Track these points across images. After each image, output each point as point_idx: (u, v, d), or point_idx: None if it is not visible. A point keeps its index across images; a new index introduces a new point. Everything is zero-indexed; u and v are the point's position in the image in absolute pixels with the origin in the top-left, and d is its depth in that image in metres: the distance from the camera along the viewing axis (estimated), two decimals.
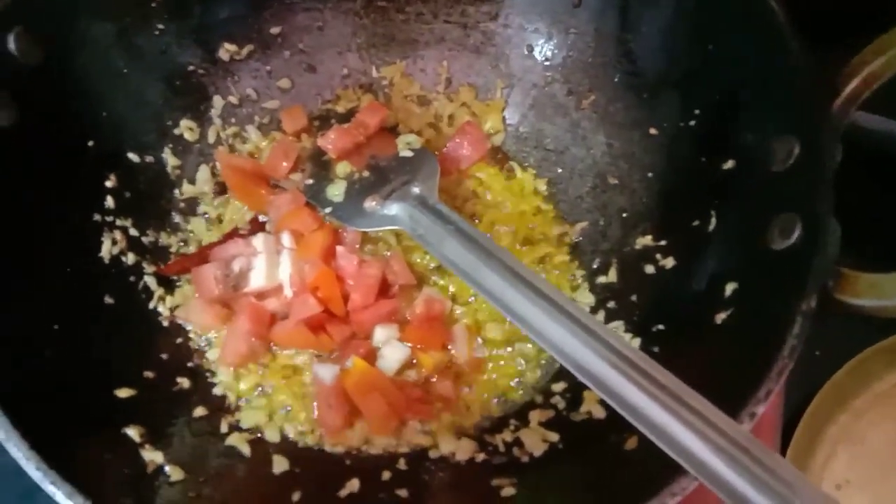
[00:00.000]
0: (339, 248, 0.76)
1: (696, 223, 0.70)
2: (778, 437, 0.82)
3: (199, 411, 0.70)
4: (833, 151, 0.60)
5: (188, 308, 0.76)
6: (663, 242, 0.75)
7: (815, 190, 0.58)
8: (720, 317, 0.63)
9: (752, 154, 0.65)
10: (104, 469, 0.58)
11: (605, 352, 0.54)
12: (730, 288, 0.63)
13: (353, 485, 0.66)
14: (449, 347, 0.76)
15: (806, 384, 0.83)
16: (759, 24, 0.64)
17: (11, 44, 0.65)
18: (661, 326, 0.70)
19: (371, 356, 0.75)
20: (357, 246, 0.79)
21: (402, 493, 0.65)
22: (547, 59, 0.85)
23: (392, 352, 0.74)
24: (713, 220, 0.69)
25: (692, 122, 0.73)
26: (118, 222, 0.76)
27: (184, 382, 0.72)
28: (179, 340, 0.75)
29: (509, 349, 0.77)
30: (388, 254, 0.79)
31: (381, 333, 0.75)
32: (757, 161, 0.64)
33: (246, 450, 0.68)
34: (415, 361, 0.75)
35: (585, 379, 0.54)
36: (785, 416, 0.82)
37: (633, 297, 0.75)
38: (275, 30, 0.85)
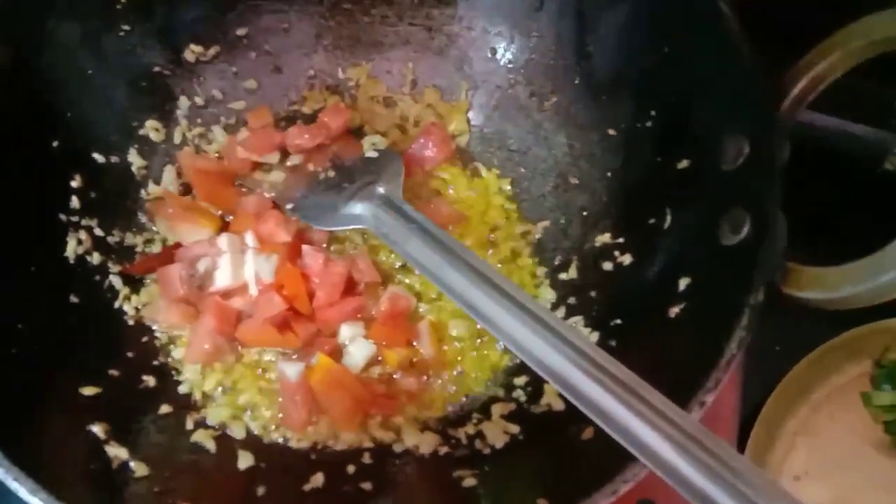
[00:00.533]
0: (305, 247, 0.77)
1: (652, 220, 0.72)
2: (735, 429, 0.83)
3: (165, 408, 0.70)
4: (780, 150, 0.62)
5: (154, 307, 0.76)
6: (622, 240, 0.77)
7: (762, 187, 0.61)
8: (674, 310, 0.65)
9: (705, 153, 0.67)
10: (69, 465, 0.58)
11: (561, 346, 0.55)
12: (683, 282, 0.65)
13: (318, 479, 0.67)
14: (414, 344, 0.77)
15: (766, 378, 0.85)
16: (710, 28, 0.66)
17: None
18: (618, 321, 0.72)
19: (337, 353, 0.75)
20: (324, 245, 0.80)
21: (367, 486, 0.66)
22: (510, 62, 0.87)
23: (358, 349, 0.75)
24: (668, 218, 0.71)
25: (648, 123, 0.75)
26: (84, 222, 0.76)
27: (149, 380, 0.72)
28: (145, 339, 0.76)
29: (474, 344, 0.78)
30: (355, 252, 0.80)
31: (347, 331, 0.76)
32: (709, 160, 0.66)
33: (211, 446, 0.69)
34: (380, 358, 0.76)
35: (542, 372, 0.56)
36: (745, 409, 0.83)
37: (593, 293, 0.77)
38: (241, 31, 0.86)
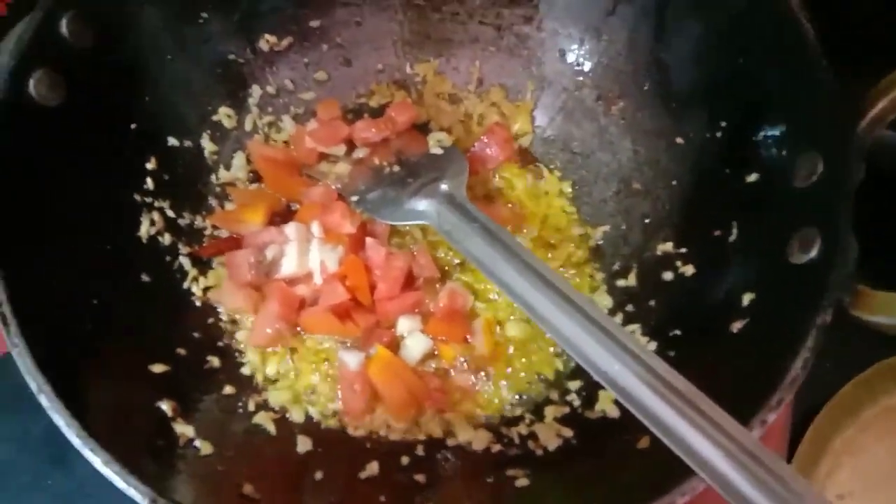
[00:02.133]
0: (368, 240, 0.79)
1: (717, 233, 0.72)
2: (786, 445, 0.83)
3: (228, 389, 0.73)
4: (855, 171, 0.61)
5: (221, 290, 0.78)
6: (684, 250, 0.77)
7: (835, 207, 0.60)
8: (736, 326, 0.64)
9: (776, 169, 0.67)
10: (139, 440, 0.60)
11: (620, 353, 0.56)
12: (747, 298, 0.65)
13: (373, 467, 0.68)
14: (469, 340, 0.78)
15: (815, 395, 0.84)
16: (789, 43, 0.65)
17: (64, 28, 0.67)
18: (677, 332, 0.72)
19: (394, 345, 0.77)
20: (386, 238, 0.81)
21: (420, 477, 0.68)
22: (578, 64, 0.87)
23: (415, 342, 0.77)
24: (734, 231, 0.70)
25: (718, 134, 0.74)
26: (157, 203, 0.78)
27: (214, 361, 0.74)
28: (211, 320, 0.78)
29: (529, 345, 0.78)
30: (415, 247, 0.81)
31: (405, 324, 0.77)
32: (780, 176, 0.66)
33: (272, 428, 0.71)
34: (436, 352, 0.77)
35: (600, 378, 0.56)
36: (794, 425, 0.83)
37: (652, 302, 0.77)
38: (314, 23, 0.87)
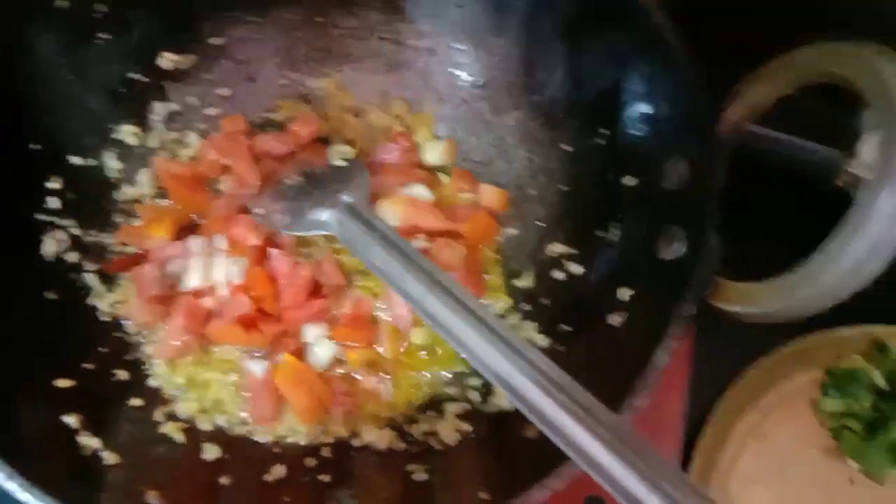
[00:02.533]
0: (272, 251, 0.81)
1: (600, 233, 0.77)
2: (680, 431, 0.86)
3: (136, 401, 0.74)
4: (718, 174, 0.66)
5: (127, 305, 0.79)
6: (574, 251, 0.81)
7: (699, 209, 0.65)
8: (617, 319, 0.70)
9: (650, 172, 0.72)
10: (44, 453, 0.62)
11: (507, 352, 0.60)
12: (626, 293, 0.70)
13: (280, 470, 0.71)
14: (375, 345, 0.81)
15: (717, 382, 0.88)
16: (654, 55, 0.70)
17: None
18: (567, 327, 0.77)
19: (301, 352, 0.79)
20: (293, 248, 0.83)
21: (325, 478, 0.70)
22: (473, 78, 0.91)
23: (321, 349, 0.79)
24: (615, 232, 0.76)
25: (601, 141, 0.79)
26: (62, 222, 0.79)
27: (121, 374, 0.75)
28: (118, 334, 0.79)
29: (433, 347, 0.82)
30: (320, 255, 0.84)
31: (311, 331, 0.80)
32: (653, 179, 0.71)
33: (180, 437, 0.72)
34: (343, 358, 0.80)
35: (491, 378, 0.60)
36: (697, 412, 0.87)
37: (545, 301, 0.82)
38: (216, 41, 0.89)
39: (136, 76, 0.86)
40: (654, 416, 0.85)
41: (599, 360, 0.69)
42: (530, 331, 0.80)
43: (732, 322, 0.65)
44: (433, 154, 0.91)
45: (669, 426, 0.86)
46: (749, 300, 0.62)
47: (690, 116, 0.69)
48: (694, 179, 0.68)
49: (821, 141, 0.95)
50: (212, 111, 0.91)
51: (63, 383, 0.69)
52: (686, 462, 0.84)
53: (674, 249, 0.67)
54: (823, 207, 0.87)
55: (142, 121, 0.88)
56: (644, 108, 0.74)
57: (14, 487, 0.56)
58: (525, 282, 0.85)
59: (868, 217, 0.56)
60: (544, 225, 0.86)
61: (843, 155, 0.86)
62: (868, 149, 0.59)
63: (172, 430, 0.73)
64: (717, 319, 0.65)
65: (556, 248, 0.83)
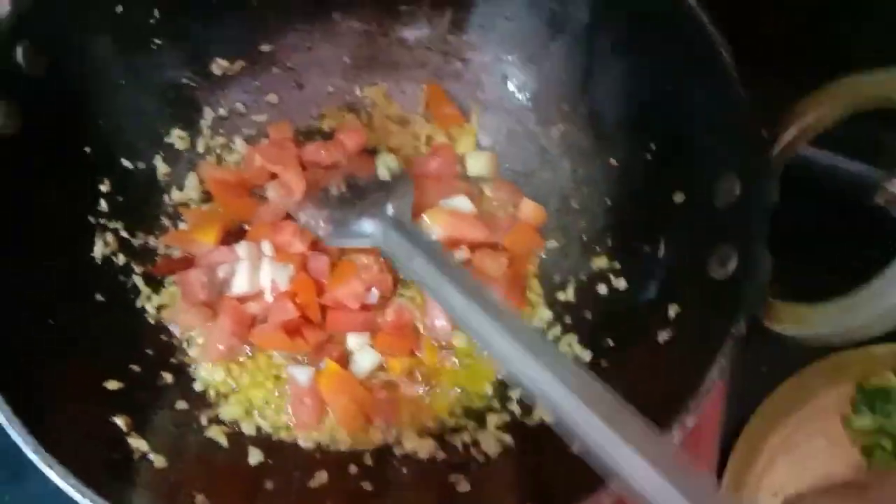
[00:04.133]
0: (317, 256, 0.81)
1: (647, 249, 0.76)
2: (716, 445, 0.86)
3: (181, 404, 0.75)
4: (770, 193, 0.66)
5: (174, 309, 0.80)
6: (617, 265, 0.81)
7: (751, 227, 0.64)
8: (663, 336, 0.69)
9: (700, 189, 0.71)
10: (95, 454, 0.63)
11: (547, 366, 0.58)
12: (672, 310, 0.70)
13: (322, 477, 0.72)
14: (417, 354, 0.81)
15: (751, 396, 0.88)
16: (708, 74, 0.69)
17: (19, 56, 0.69)
18: (610, 342, 0.77)
19: (344, 360, 0.80)
20: (337, 256, 0.84)
21: (367, 486, 0.71)
22: (520, 90, 0.91)
23: (363, 357, 0.80)
24: (662, 248, 0.75)
25: (648, 156, 0.78)
26: (111, 224, 0.80)
27: (167, 377, 0.77)
28: (164, 337, 0.80)
29: (473, 357, 0.82)
30: (367, 264, 0.83)
31: (354, 339, 0.81)
32: (703, 196, 0.70)
33: (224, 441, 0.74)
34: (384, 366, 0.81)
35: (532, 392, 0.59)
36: (729, 425, 0.87)
37: (587, 314, 0.82)
38: (265, 48, 0.90)
39: (187, 81, 0.87)
40: (691, 432, 0.85)
41: (645, 375, 0.69)
42: (572, 343, 0.80)
43: (766, 339, 0.64)
44: (476, 165, 0.92)
45: (705, 441, 0.86)
46: (804, 322, 0.62)
47: (743, 135, 0.68)
48: (746, 197, 0.67)
49: (862, 160, 0.95)
50: (259, 117, 0.92)
51: (112, 385, 0.70)
52: (718, 475, 0.85)
53: (724, 267, 0.66)
54: (863, 225, 0.88)
55: (190, 125, 0.89)
56: (696, 124, 0.73)
57: (68, 487, 0.57)
58: (567, 295, 0.84)
59: None
60: (587, 238, 0.86)
61: (885, 174, 0.86)
62: None
63: (217, 434, 0.74)
64: (750, 336, 0.64)
65: (600, 262, 0.83)
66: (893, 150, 0.89)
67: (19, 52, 0.69)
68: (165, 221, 0.86)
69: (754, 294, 0.63)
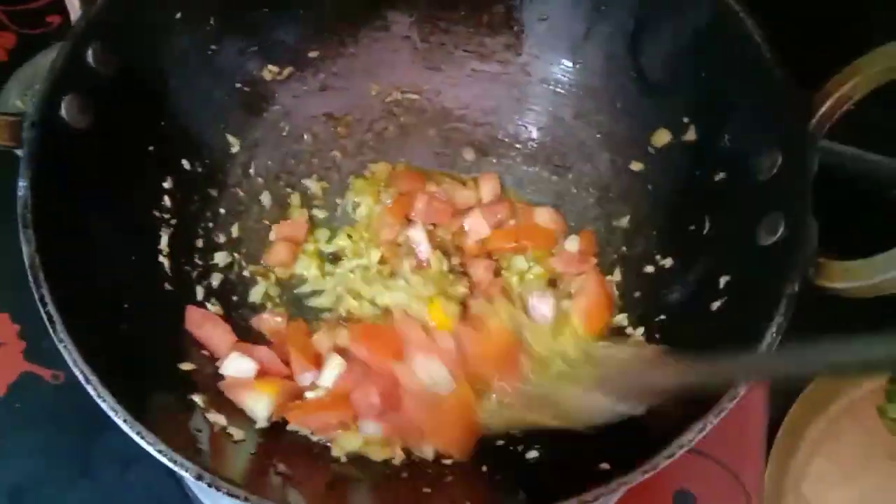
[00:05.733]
0: None
1: (692, 227, 0.79)
2: (763, 433, 0.90)
3: None
4: (811, 161, 0.68)
5: None
6: (662, 245, 0.84)
7: (796, 193, 0.67)
8: (716, 305, 0.71)
9: (741, 166, 0.74)
10: (179, 426, 0.65)
11: None
12: (723, 280, 0.71)
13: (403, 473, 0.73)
14: None
15: (790, 391, 0.92)
16: (747, 56, 0.72)
17: (90, 57, 0.72)
18: (662, 317, 0.79)
19: None
20: None
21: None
22: (557, 85, 0.94)
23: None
24: (707, 224, 0.78)
25: (687, 141, 0.82)
26: (172, 221, 0.83)
27: None
28: None
29: None
30: None
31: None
32: (744, 171, 0.73)
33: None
34: None
35: None
36: (772, 417, 0.90)
37: (637, 294, 0.84)
38: (313, 54, 0.93)
39: (240, 87, 0.90)
40: (740, 419, 0.88)
41: (701, 343, 0.70)
42: (623, 322, 0.82)
43: (806, 329, 0.66)
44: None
45: (754, 429, 0.89)
46: (853, 275, 0.64)
47: (782, 109, 0.71)
48: (788, 168, 0.69)
49: (884, 152, 0.99)
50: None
51: (186, 367, 0.73)
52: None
53: (774, 235, 0.68)
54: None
55: (240, 130, 0.92)
56: (733, 103, 0.76)
57: (158, 453, 0.59)
58: (615, 277, 0.87)
59: None
60: (630, 225, 0.89)
61: None
62: None
63: None
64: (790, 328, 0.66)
65: (645, 244, 0.86)
66: None
67: (90, 53, 0.72)
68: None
69: (806, 253, 0.65)
